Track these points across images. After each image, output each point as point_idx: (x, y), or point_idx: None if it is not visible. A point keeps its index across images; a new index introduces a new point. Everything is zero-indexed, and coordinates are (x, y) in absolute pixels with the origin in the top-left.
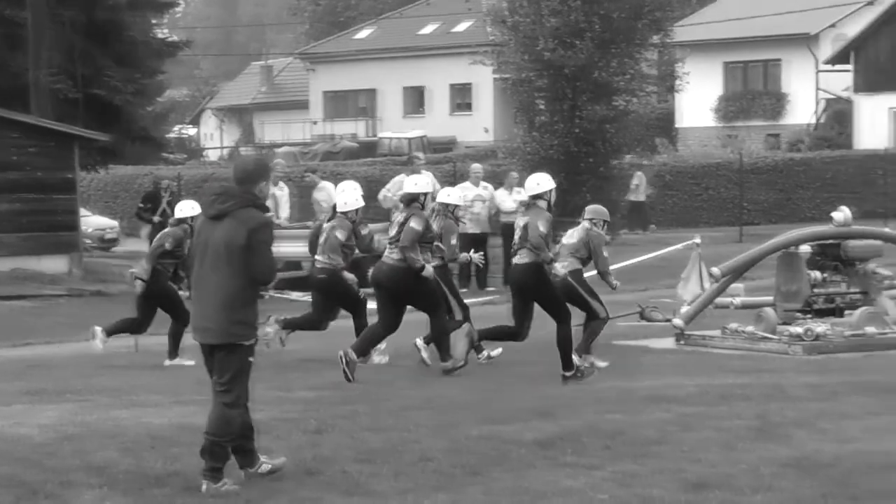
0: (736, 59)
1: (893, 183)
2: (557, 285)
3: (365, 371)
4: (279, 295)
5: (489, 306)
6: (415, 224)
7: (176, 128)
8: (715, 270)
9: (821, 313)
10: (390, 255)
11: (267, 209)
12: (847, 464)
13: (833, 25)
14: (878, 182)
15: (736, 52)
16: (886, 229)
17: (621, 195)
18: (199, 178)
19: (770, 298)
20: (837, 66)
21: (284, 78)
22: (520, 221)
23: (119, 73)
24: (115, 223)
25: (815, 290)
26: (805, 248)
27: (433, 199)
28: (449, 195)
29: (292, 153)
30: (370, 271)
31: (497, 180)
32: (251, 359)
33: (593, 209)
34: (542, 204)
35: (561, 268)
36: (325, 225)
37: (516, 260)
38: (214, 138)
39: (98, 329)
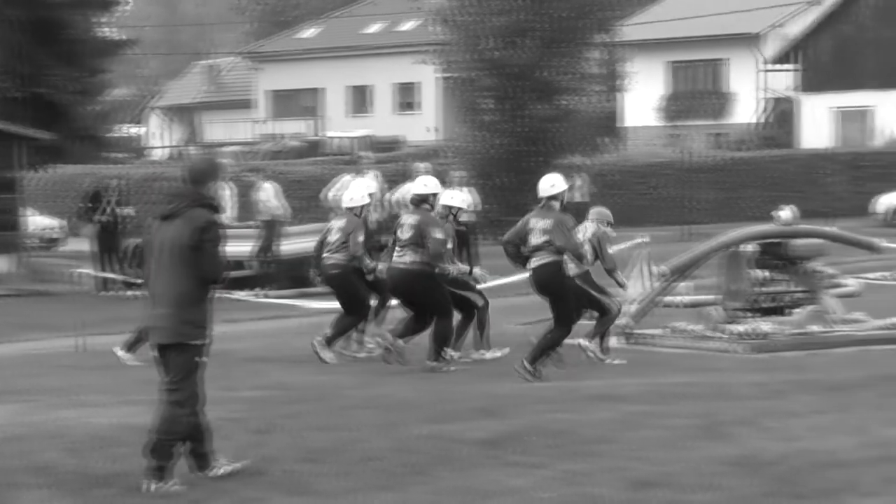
0: (680, 58)
1: (836, 182)
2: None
3: (310, 371)
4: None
5: None
6: (439, 234)
7: (120, 127)
8: (660, 269)
9: (765, 312)
10: (401, 259)
11: (217, 209)
12: (791, 462)
13: (777, 25)
14: (821, 181)
15: (680, 52)
16: (829, 228)
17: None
18: (143, 178)
19: (715, 297)
20: (781, 66)
21: (229, 77)
22: (538, 224)
23: (62, 72)
24: (58, 223)
25: (760, 289)
26: (749, 247)
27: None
28: (452, 198)
29: (237, 153)
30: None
31: (442, 180)
32: (202, 359)
33: (597, 211)
34: (556, 205)
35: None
36: (333, 223)
37: (536, 262)
38: (158, 137)
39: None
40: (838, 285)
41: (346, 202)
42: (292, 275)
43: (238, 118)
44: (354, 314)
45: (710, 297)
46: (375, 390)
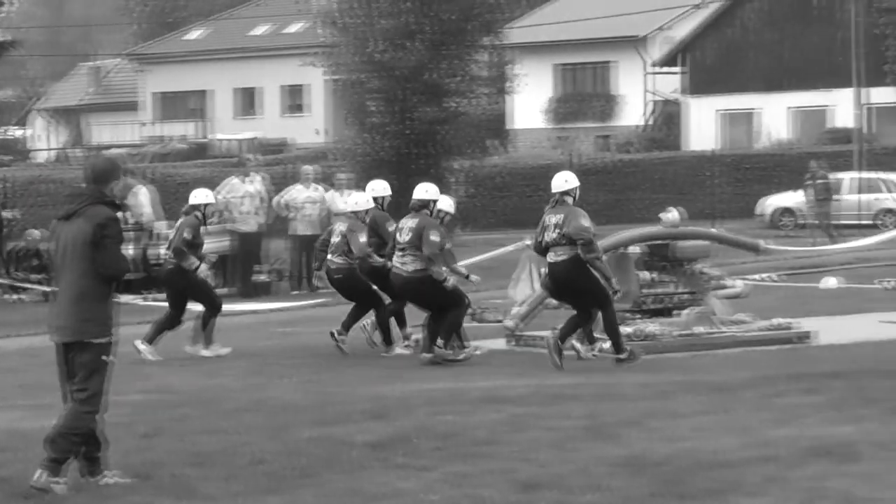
0: (567, 61)
1: (721, 184)
2: None
3: (197, 374)
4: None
5: (320, 309)
6: (434, 237)
7: (2, 129)
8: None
9: (651, 313)
10: (403, 266)
11: (118, 207)
12: (677, 462)
13: (662, 28)
14: (706, 183)
15: (567, 55)
16: (714, 230)
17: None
18: (28, 180)
19: None
20: (666, 69)
21: (114, 79)
22: (551, 220)
23: None
24: None
25: (645, 291)
26: (635, 249)
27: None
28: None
29: (122, 155)
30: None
31: (329, 182)
32: (107, 358)
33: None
34: (570, 200)
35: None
36: (337, 226)
37: (554, 257)
38: (43, 139)
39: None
40: (723, 286)
41: (351, 206)
42: None
43: (124, 120)
44: (373, 307)
45: None
46: (262, 393)
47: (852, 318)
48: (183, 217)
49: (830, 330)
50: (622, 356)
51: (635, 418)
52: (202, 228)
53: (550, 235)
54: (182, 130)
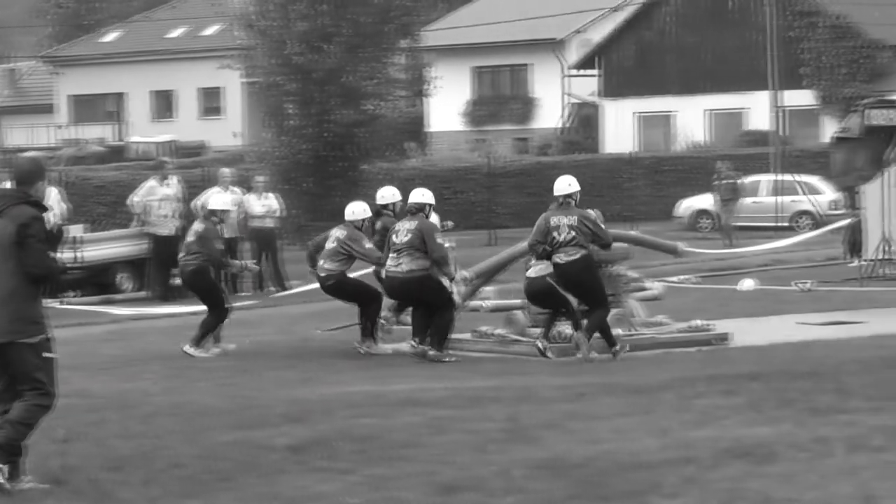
0: (485, 63)
1: (639, 186)
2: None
3: (114, 378)
4: None
5: (244, 311)
6: (440, 240)
7: None
8: (465, 274)
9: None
10: (397, 268)
11: (43, 207)
12: (597, 464)
13: (579, 31)
14: (624, 185)
15: (484, 57)
16: (632, 232)
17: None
18: None
19: (520, 301)
20: (584, 71)
21: (29, 81)
22: (563, 220)
23: None
24: None
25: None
26: None
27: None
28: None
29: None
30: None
31: (247, 185)
32: (49, 354)
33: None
34: (573, 203)
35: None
36: (334, 232)
37: (565, 258)
38: None
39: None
40: (641, 288)
41: (348, 215)
42: (96, 281)
43: (39, 123)
44: (369, 304)
45: (516, 302)
46: (180, 397)
47: (770, 320)
48: (202, 223)
49: (748, 331)
50: (617, 348)
51: (555, 420)
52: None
53: (565, 236)
54: (98, 133)
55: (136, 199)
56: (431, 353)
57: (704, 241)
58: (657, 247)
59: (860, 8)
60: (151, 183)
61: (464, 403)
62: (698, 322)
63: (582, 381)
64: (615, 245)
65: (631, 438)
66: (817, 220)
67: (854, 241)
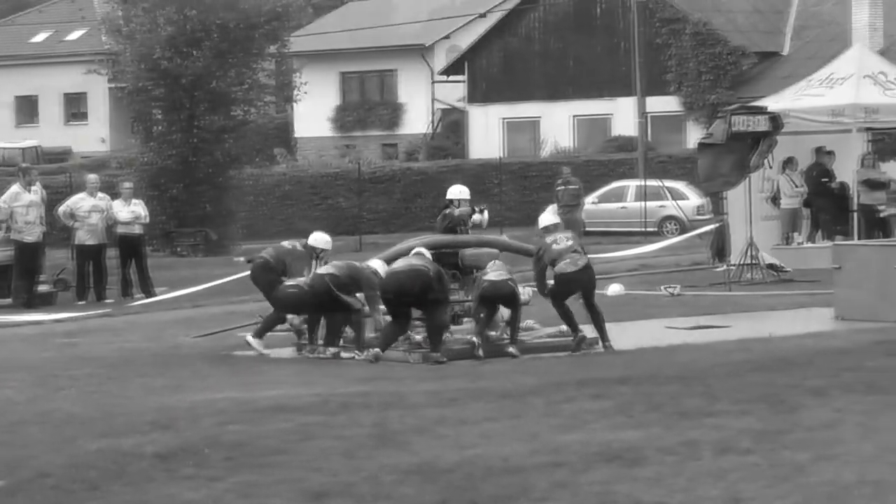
0: (352, 69)
1: (507, 192)
2: None
3: None
4: None
5: (105, 319)
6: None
7: None
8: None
9: None
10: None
11: None
12: (467, 469)
13: (447, 37)
14: (493, 191)
15: (352, 63)
16: (502, 237)
17: (240, 205)
18: None
19: None
20: (451, 77)
21: None
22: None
23: None
24: None
25: None
26: None
27: None
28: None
29: None
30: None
31: (113, 191)
32: None
33: None
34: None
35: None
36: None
37: (583, 263)
38: None
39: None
40: None
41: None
42: None
43: None
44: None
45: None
46: (46, 405)
47: (639, 324)
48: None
49: (617, 336)
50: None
51: (424, 426)
52: None
53: (567, 244)
54: None
55: (2, 205)
56: (434, 355)
57: None
58: (524, 252)
59: (723, 15)
60: (15, 189)
61: (333, 409)
62: (567, 327)
63: (452, 386)
64: (484, 250)
65: (500, 443)
66: (683, 226)
67: (720, 246)
